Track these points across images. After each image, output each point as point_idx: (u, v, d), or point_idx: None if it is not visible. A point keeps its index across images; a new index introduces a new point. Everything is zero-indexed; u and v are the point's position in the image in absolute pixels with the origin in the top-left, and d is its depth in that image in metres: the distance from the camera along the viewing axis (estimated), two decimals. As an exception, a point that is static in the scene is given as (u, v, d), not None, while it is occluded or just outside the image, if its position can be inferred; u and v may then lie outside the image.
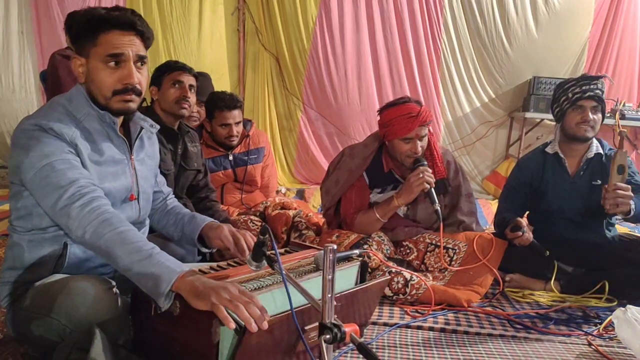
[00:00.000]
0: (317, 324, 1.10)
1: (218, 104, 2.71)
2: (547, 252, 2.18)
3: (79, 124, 1.37)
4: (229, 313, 1.08)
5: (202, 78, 3.47)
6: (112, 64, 1.35)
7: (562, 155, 2.38)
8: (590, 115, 2.26)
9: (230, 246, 1.49)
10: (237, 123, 2.76)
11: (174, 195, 1.79)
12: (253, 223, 2.55)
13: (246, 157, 2.89)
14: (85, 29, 1.34)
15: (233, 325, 1.07)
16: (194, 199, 2.46)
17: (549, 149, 2.43)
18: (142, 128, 1.53)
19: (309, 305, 1.14)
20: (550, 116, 4.63)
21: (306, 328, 1.22)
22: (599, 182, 2.31)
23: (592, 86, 2.26)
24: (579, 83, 2.29)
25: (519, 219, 2.25)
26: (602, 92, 2.28)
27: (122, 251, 1.21)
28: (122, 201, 1.45)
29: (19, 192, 1.36)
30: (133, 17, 1.37)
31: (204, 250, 1.63)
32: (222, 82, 4.75)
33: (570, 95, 2.29)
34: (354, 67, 4.97)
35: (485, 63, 5.05)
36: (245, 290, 1.15)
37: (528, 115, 4.76)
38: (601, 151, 2.36)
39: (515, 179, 2.50)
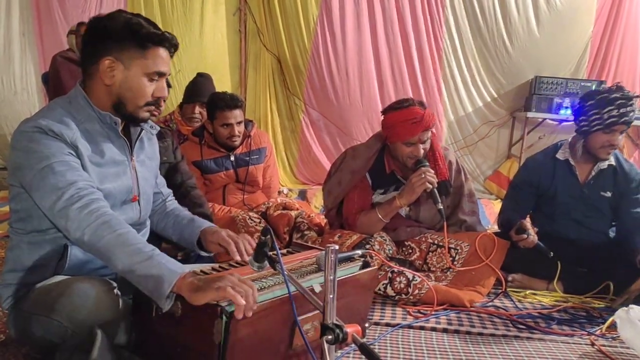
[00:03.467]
0: (311, 314, 1.09)
1: (219, 104, 2.71)
2: (552, 253, 2.18)
3: (80, 125, 1.37)
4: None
5: (203, 79, 3.49)
6: (154, 77, 1.40)
7: (573, 163, 2.35)
8: (618, 140, 2.22)
9: (229, 248, 1.47)
10: (239, 123, 2.76)
11: (173, 197, 1.78)
12: (252, 220, 2.53)
13: (248, 158, 2.88)
14: (136, 39, 1.35)
15: (242, 301, 1.08)
16: (172, 187, 2.40)
17: (559, 155, 2.39)
18: (142, 129, 1.53)
19: (299, 294, 1.14)
20: (552, 115, 4.69)
21: (300, 318, 1.21)
22: (609, 194, 2.31)
23: (628, 109, 2.17)
24: (616, 103, 2.16)
25: (523, 221, 2.24)
26: (634, 112, 2.21)
27: (122, 253, 1.20)
28: (122, 202, 1.45)
29: (18, 194, 1.35)
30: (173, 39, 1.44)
31: (204, 254, 1.62)
32: (223, 83, 4.74)
33: (605, 117, 2.18)
34: (356, 66, 4.95)
35: (487, 62, 5.03)
36: (245, 279, 1.15)
37: (530, 115, 4.74)
38: (613, 163, 2.33)
39: (521, 179, 2.48)
